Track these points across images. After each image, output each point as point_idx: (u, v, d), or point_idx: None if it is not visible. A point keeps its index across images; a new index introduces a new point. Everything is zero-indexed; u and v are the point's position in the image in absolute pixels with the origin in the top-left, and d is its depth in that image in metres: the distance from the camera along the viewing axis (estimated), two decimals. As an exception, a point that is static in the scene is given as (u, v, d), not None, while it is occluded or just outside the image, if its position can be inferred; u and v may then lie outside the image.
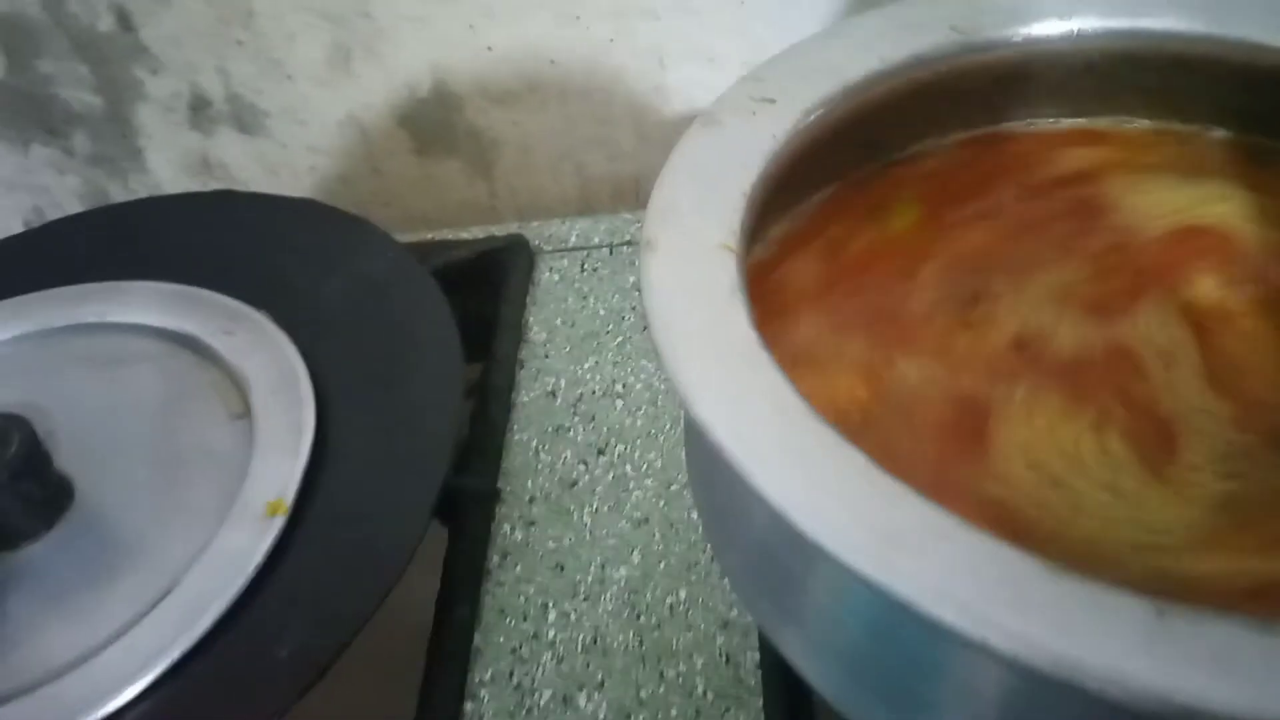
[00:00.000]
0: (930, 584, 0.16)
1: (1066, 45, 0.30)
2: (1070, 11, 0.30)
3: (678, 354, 0.21)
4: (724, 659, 0.32)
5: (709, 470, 0.26)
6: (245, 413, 0.38)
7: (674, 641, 0.33)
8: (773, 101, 0.28)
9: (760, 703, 0.31)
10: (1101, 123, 0.32)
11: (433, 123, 0.55)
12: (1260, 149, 0.30)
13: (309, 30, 0.51)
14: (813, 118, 0.28)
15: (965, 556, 0.17)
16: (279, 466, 0.35)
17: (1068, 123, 0.32)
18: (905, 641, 0.20)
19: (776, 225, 0.30)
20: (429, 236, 0.50)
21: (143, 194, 0.58)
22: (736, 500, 0.24)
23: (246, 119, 0.55)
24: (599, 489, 0.38)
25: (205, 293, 0.42)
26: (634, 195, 0.56)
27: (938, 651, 0.19)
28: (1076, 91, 0.31)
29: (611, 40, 0.51)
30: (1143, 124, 0.31)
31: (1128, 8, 0.30)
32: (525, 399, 0.42)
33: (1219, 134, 0.31)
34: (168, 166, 0.57)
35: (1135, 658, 0.15)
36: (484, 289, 0.46)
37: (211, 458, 0.37)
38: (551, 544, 0.37)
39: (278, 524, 0.34)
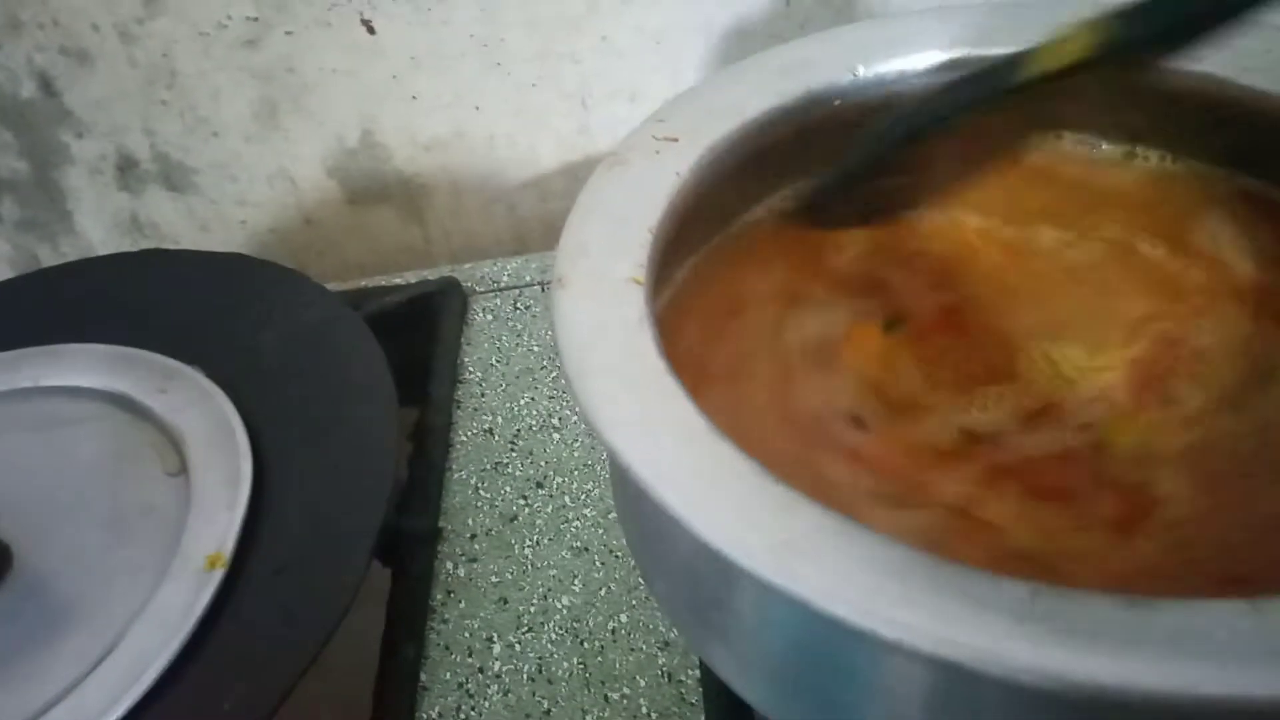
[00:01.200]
0: (823, 583, 0.18)
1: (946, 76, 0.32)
2: (951, 43, 0.32)
3: (587, 385, 0.22)
4: (666, 678, 0.33)
5: (630, 498, 0.27)
6: (182, 469, 0.39)
7: (617, 665, 0.34)
8: (675, 140, 0.29)
9: (702, 718, 0.32)
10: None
11: (362, 172, 0.56)
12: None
13: (234, 87, 0.52)
14: (714, 155, 0.30)
15: (855, 555, 0.18)
16: (217, 520, 0.36)
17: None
18: (814, 645, 0.21)
19: (691, 257, 0.32)
20: (363, 283, 0.51)
21: (73, 256, 0.58)
22: (655, 524, 0.25)
23: (175, 177, 0.55)
24: (539, 521, 0.39)
25: (139, 352, 0.42)
26: (564, 233, 0.57)
27: (844, 652, 0.20)
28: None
29: (534, 84, 0.52)
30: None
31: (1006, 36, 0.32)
32: (463, 438, 0.43)
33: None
34: (98, 228, 0.57)
35: (1010, 636, 0.16)
36: (418, 332, 0.47)
37: (150, 515, 0.37)
38: (494, 578, 0.38)
39: (217, 577, 0.34)
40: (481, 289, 0.50)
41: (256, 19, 0.50)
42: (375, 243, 0.58)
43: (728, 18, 0.50)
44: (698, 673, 0.33)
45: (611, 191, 0.27)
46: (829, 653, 0.21)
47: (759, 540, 0.18)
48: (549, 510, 0.39)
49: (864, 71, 0.32)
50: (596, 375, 0.22)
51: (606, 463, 0.41)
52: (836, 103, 0.32)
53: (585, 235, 0.26)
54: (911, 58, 0.32)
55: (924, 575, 0.18)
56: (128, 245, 0.58)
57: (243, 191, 0.56)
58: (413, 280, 0.50)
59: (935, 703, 0.21)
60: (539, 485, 0.41)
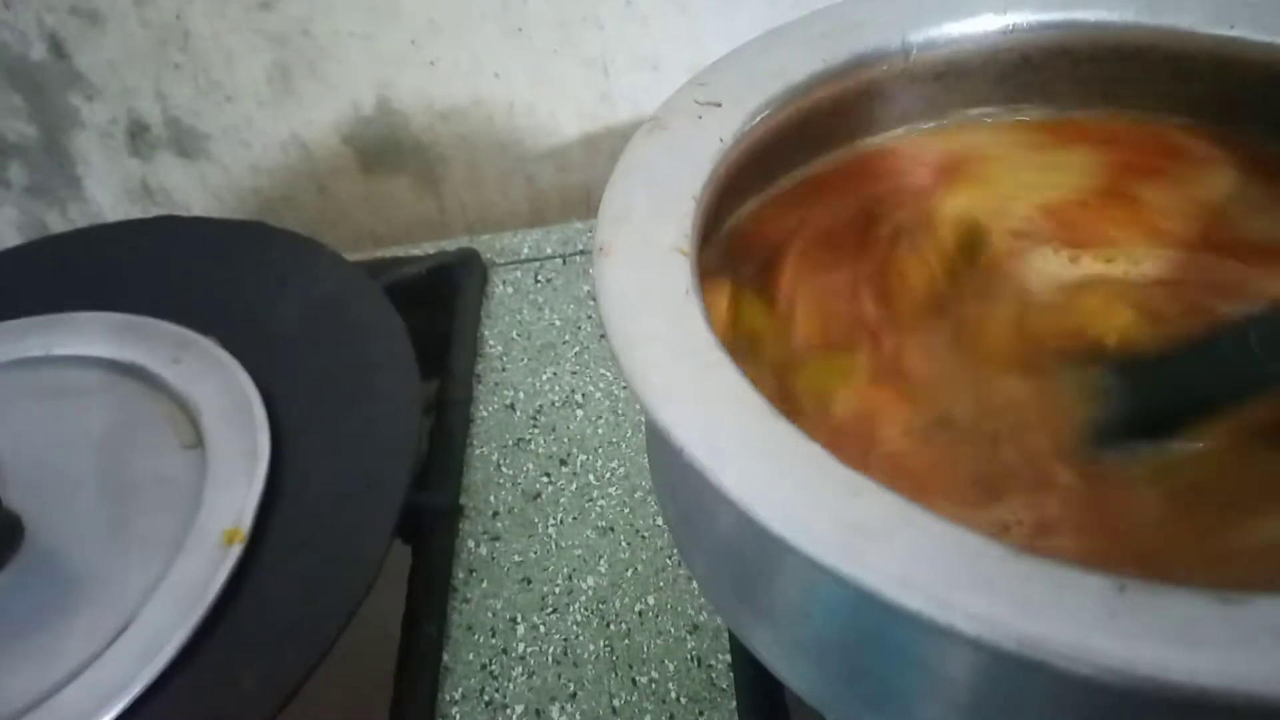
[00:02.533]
0: (895, 572, 0.17)
1: (1002, 40, 0.30)
2: (1006, 6, 0.30)
3: (635, 358, 0.21)
4: (695, 662, 0.32)
5: (673, 474, 0.26)
6: (197, 441, 0.38)
7: (644, 648, 0.33)
8: (718, 105, 0.28)
9: (733, 704, 0.31)
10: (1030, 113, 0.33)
11: (378, 140, 0.54)
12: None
13: (248, 50, 0.51)
14: (759, 119, 0.28)
15: (928, 543, 0.17)
16: (234, 493, 0.35)
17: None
18: (874, 632, 0.20)
19: (729, 220, 0.30)
20: (379, 254, 0.50)
21: (82, 223, 0.57)
22: (702, 502, 0.24)
23: (187, 143, 0.54)
24: (563, 500, 0.38)
25: (151, 321, 0.41)
26: (585, 205, 0.56)
27: (907, 640, 0.19)
28: (1014, 85, 0.31)
29: (555, 51, 0.51)
30: (1091, 112, 0.32)
31: (1060, 1, 0.30)
32: (484, 413, 0.42)
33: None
34: (108, 194, 0.56)
35: (1099, 633, 0.15)
36: (437, 304, 0.46)
37: (165, 488, 0.36)
38: (517, 557, 0.37)
39: (235, 551, 0.33)
40: (501, 261, 0.49)
41: (272, -21, 0.48)
42: (390, 213, 0.57)
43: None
44: (728, 657, 0.32)
45: (653, 156, 0.26)
46: (890, 642, 0.20)
47: (825, 525, 0.17)
48: (573, 488, 0.38)
49: (914, 36, 0.30)
50: (644, 346, 0.21)
51: (633, 439, 0.40)
52: (884, 68, 0.30)
53: (628, 200, 0.25)
54: (965, 22, 0.30)
55: (1003, 566, 0.17)
56: (138, 212, 0.57)
57: (256, 158, 0.55)
58: (430, 251, 0.49)
59: (999, 695, 0.20)
60: (562, 463, 0.39)
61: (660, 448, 0.27)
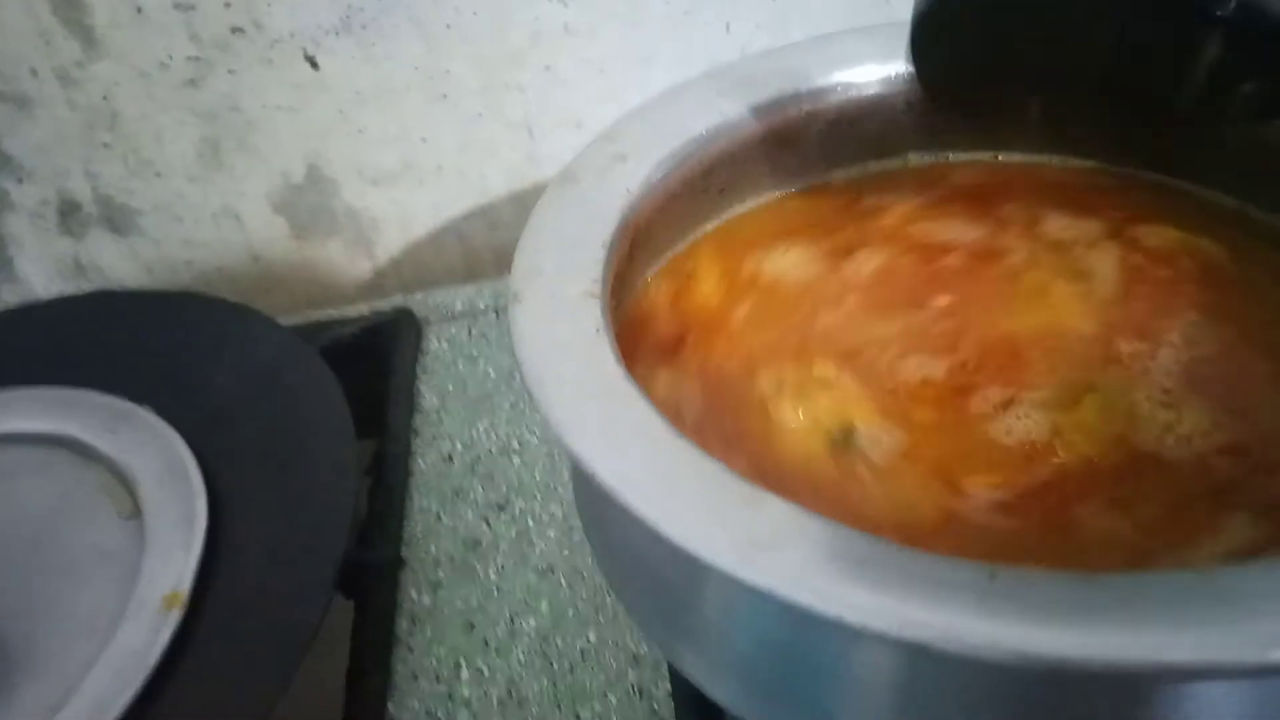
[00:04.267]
0: (788, 574, 0.18)
1: (885, 89, 0.33)
2: (886, 56, 0.33)
3: (549, 395, 0.22)
4: (637, 694, 0.33)
5: (596, 507, 0.27)
6: (136, 510, 0.38)
7: (587, 683, 0.34)
8: (624, 158, 0.30)
9: (675, 730, 0.32)
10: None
11: (310, 207, 0.55)
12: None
13: (177, 127, 0.52)
14: (664, 171, 0.30)
15: (818, 547, 0.19)
16: (173, 560, 0.35)
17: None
18: (784, 642, 0.21)
19: (650, 269, 0.32)
20: (314, 317, 0.51)
21: (15, 304, 0.57)
22: (622, 530, 0.25)
23: (118, 220, 0.55)
24: (503, 545, 0.39)
25: (86, 393, 0.42)
26: (516, 261, 0.57)
27: (812, 644, 0.21)
28: (900, 131, 0.34)
29: (480, 115, 0.53)
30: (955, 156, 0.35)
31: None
32: (423, 466, 0.43)
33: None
34: (40, 273, 0.56)
35: (971, 615, 0.17)
36: (373, 363, 0.47)
37: (104, 559, 0.37)
38: (460, 604, 0.37)
39: (175, 617, 0.34)
40: (435, 318, 0.50)
41: (198, 58, 0.50)
42: (325, 277, 0.58)
43: (669, 46, 0.51)
44: (668, 685, 0.33)
45: (563, 209, 0.28)
46: (797, 646, 0.21)
47: (725, 537, 0.19)
48: (512, 534, 0.39)
49: (803, 88, 0.33)
50: (557, 384, 0.22)
51: (569, 482, 0.41)
52: (780, 119, 0.33)
53: (539, 253, 0.26)
54: (850, 72, 0.33)
55: (886, 562, 0.18)
56: (71, 290, 0.57)
57: (188, 231, 0.56)
58: (366, 311, 0.50)
59: (899, 690, 0.21)
60: (501, 509, 0.40)
61: (583, 483, 0.28)
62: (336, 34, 0.50)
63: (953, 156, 0.34)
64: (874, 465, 0.25)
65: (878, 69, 0.33)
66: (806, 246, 0.32)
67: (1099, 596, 0.18)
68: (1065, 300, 0.29)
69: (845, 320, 0.30)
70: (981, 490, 0.24)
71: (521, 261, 0.26)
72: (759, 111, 0.32)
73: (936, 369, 0.27)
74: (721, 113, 0.32)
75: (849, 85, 0.33)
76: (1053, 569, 0.18)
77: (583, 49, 0.51)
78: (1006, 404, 0.26)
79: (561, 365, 0.23)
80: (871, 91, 0.33)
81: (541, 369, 0.23)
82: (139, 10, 0.48)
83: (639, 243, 0.30)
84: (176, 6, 0.48)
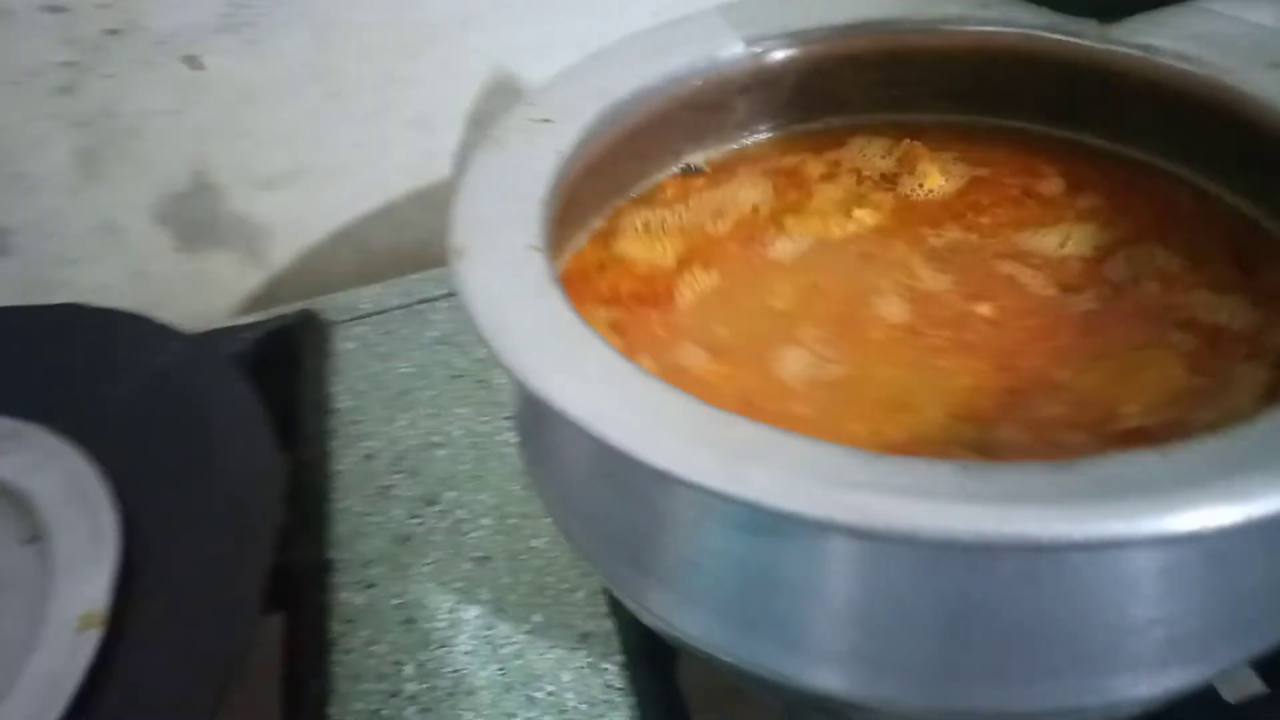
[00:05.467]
0: (775, 484, 0.18)
1: (800, 52, 0.34)
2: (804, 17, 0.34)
3: (508, 342, 0.22)
4: (590, 669, 0.33)
5: (554, 456, 0.26)
6: (36, 534, 0.35)
7: (536, 665, 0.33)
8: (550, 121, 0.30)
9: (632, 700, 0.32)
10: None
11: (196, 216, 0.53)
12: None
13: (51, 138, 0.49)
14: (590, 134, 0.30)
15: (799, 458, 0.19)
16: (85, 579, 0.33)
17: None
18: (760, 563, 0.21)
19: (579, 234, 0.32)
20: (210, 329, 0.49)
21: None
22: (588, 475, 0.25)
23: (-14, 238, 0.51)
24: (436, 538, 0.38)
25: (-33, 414, 0.39)
26: (420, 259, 0.56)
27: (791, 561, 0.21)
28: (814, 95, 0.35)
29: (375, 113, 0.52)
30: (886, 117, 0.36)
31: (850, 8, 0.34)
32: (343, 467, 0.41)
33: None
34: (-102, 300, 0.52)
35: (952, 504, 0.17)
36: (279, 368, 0.45)
37: (7, 589, 0.34)
38: (396, 600, 0.36)
39: (94, 638, 0.31)
40: (342, 318, 0.48)
41: (73, 63, 0.47)
42: (216, 290, 0.55)
43: (569, 36, 0.51)
44: (620, 657, 0.33)
45: (496, 169, 0.28)
46: (775, 568, 0.21)
47: (708, 454, 0.19)
48: (444, 525, 0.38)
49: (722, 53, 0.33)
50: (515, 330, 0.22)
51: (499, 470, 0.40)
52: (699, 83, 0.33)
53: (478, 208, 0.26)
54: (764, 41, 0.34)
55: (866, 467, 0.19)
56: (-67, 317, 0.53)
57: (64, 249, 0.52)
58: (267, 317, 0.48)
59: (868, 599, 0.21)
60: (430, 503, 0.39)
61: (538, 433, 0.28)
62: (221, 32, 0.48)
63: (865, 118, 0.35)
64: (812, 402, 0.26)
65: (786, 36, 0.34)
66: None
67: (1065, 479, 0.18)
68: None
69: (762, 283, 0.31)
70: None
71: (461, 215, 0.26)
72: (676, 78, 0.33)
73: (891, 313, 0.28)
74: (642, 78, 0.32)
75: (757, 53, 0.34)
76: (1019, 461, 0.19)
77: (480, 41, 0.51)
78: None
79: (516, 313, 0.23)
80: (783, 58, 0.34)
81: (497, 317, 0.22)
82: (6, 14, 0.45)
83: (569, 206, 0.30)
84: (47, 9, 0.46)
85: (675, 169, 0.34)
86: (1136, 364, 0.25)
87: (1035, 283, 0.29)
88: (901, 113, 0.36)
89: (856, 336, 0.28)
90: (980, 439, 0.24)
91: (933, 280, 0.30)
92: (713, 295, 0.30)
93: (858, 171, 0.34)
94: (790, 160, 0.35)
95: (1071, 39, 0.31)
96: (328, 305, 0.49)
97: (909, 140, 0.34)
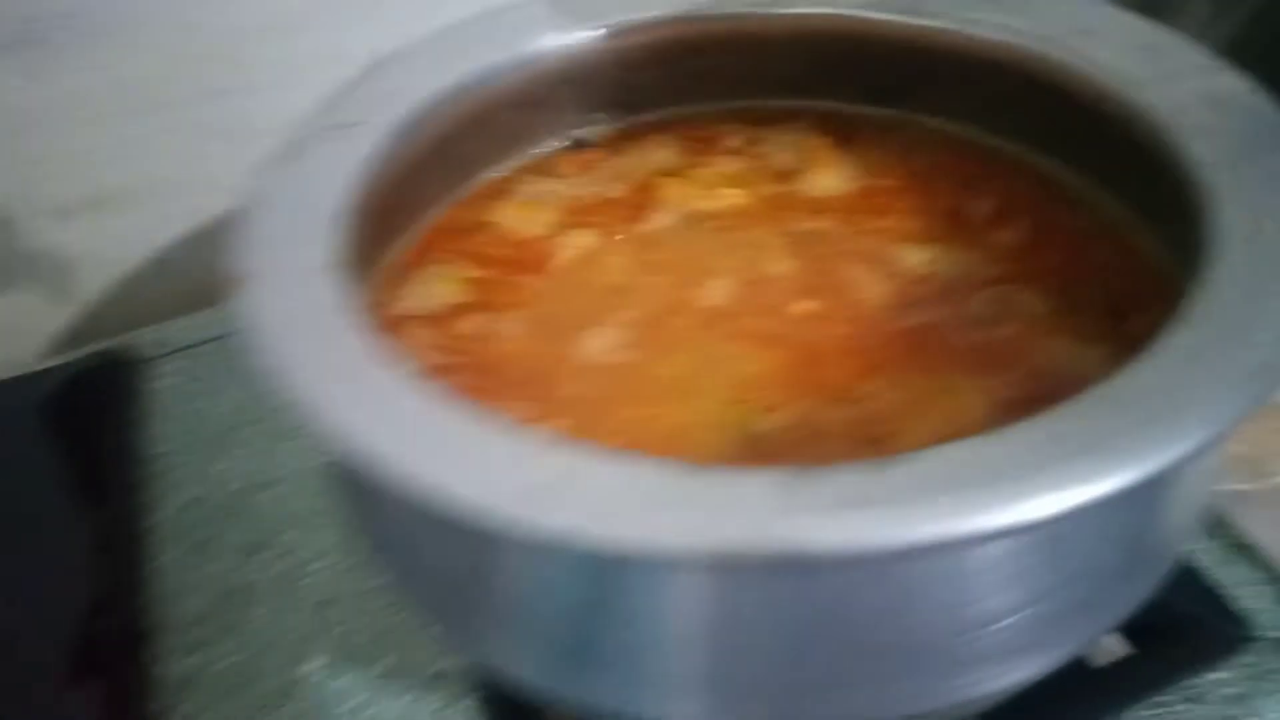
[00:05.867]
0: (586, 517, 0.16)
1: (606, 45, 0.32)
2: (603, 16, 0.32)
3: (292, 377, 0.19)
4: (444, 710, 0.31)
5: (365, 496, 0.24)
6: None
7: (387, 713, 0.31)
8: (353, 125, 0.27)
9: (488, 743, 0.29)
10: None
11: (-11, 251, 0.48)
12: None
13: None
14: (398, 137, 0.28)
15: (606, 486, 0.17)
16: None
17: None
18: (584, 599, 0.20)
19: (398, 242, 0.30)
20: (6, 376, 0.44)
21: None
22: (395, 515, 0.22)
23: None
24: (267, 586, 0.35)
25: None
26: (244, 286, 0.52)
27: (616, 594, 0.19)
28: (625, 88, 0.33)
29: (181, 129, 0.48)
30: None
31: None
32: (162, 517, 0.38)
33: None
34: None
35: (770, 522, 0.16)
36: (86, 415, 0.41)
37: None
38: (225, 662, 0.33)
39: None
40: (158, 354, 0.44)
41: None
42: (17, 331, 0.50)
43: (384, 40, 0.48)
44: (477, 695, 0.31)
45: (287, 182, 0.25)
46: (598, 597, 0.19)
47: (507, 489, 0.17)
48: (277, 572, 0.35)
49: (526, 48, 0.31)
50: (300, 365, 0.20)
51: (332, 510, 0.37)
52: (502, 83, 0.31)
53: (266, 226, 0.23)
54: (570, 34, 0.32)
55: (681, 485, 0.17)
56: None
57: None
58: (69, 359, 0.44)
59: (706, 622, 0.20)
60: (260, 549, 0.36)
61: (347, 476, 0.25)
62: (7, 52, 0.44)
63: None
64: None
65: (592, 30, 0.32)
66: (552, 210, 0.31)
67: (890, 476, 0.17)
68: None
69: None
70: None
71: (244, 238, 0.23)
72: (479, 78, 0.30)
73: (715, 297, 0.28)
74: (444, 76, 0.30)
75: (566, 47, 0.32)
76: (842, 463, 0.18)
77: (289, 47, 0.47)
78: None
79: (303, 344, 0.20)
80: (590, 52, 0.32)
81: (280, 350, 0.20)
82: None
83: (379, 216, 0.27)
84: None
85: (563, 143, 0.33)
86: (939, 397, 0.24)
87: (876, 292, 0.28)
88: (730, 101, 0.34)
89: (670, 317, 0.28)
90: (749, 431, 0.23)
91: (775, 266, 0.29)
92: (566, 267, 0.30)
93: (763, 156, 0.33)
94: (690, 139, 0.34)
95: (887, 17, 0.31)
96: (138, 342, 0.45)
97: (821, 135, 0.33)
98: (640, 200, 0.32)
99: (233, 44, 0.46)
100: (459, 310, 0.28)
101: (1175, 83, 0.25)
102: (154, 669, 0.33)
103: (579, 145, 0.34)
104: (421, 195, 0.29)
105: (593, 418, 0.21)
